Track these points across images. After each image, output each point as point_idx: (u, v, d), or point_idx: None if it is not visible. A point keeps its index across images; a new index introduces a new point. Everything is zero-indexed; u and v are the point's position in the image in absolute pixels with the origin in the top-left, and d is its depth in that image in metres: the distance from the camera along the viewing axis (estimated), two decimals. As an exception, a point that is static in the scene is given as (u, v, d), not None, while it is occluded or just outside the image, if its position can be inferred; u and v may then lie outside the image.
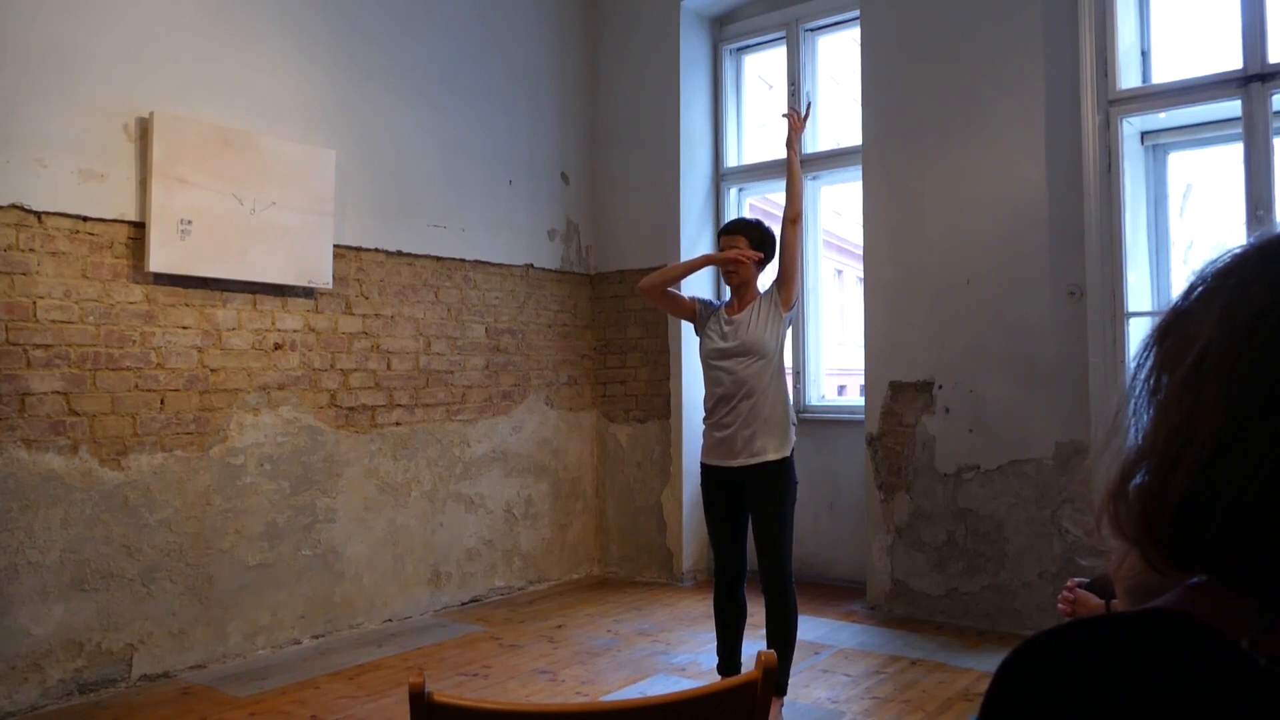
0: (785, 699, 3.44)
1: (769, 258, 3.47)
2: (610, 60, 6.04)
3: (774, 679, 1.34)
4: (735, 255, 3.37)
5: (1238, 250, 0.58)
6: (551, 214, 5.79)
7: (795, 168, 3.49)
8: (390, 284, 4.85)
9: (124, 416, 3.82)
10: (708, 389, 3.42)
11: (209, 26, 4.12)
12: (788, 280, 3.36)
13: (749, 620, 3.51)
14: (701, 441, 3.50)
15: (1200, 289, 0.58)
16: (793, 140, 3.58)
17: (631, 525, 5.84)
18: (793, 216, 3.40)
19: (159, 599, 3.89)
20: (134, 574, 3.81)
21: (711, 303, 3.52)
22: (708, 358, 3.41)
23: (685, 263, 3.70)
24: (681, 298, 3.54)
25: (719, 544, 3.43)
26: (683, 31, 5.75)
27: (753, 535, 3.36)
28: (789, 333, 3.54)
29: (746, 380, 3.29)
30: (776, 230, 3.50)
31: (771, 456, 3.28)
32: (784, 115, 3.73)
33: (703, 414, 3.48)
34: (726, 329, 3.37)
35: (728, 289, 3.52)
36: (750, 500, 3.34)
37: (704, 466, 3.44)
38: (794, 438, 3.38)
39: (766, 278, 3.53)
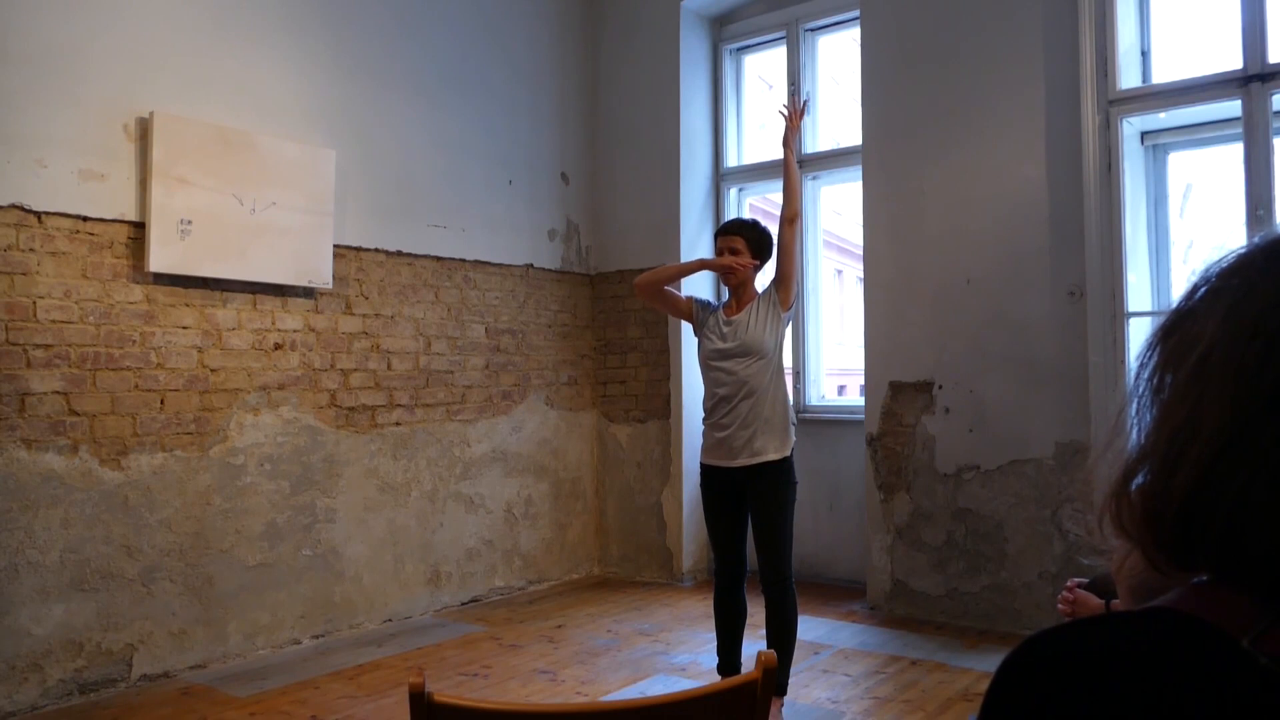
0: (785, 699, 3.44)
1: (765, 259, 3.46)
2: (610, 60, 6.04)
3: (774, 679, 1.34)
4: (730, 263, 3.36)
5: (1242, 250, 0.58)
6: (551, 214, 5.79)
7: (792, 166, 3.48)
8: (390, 284, 4.85)
9: (124, 416, 3.82)
10: (707, 390, 3.42)
11: (209, 26, 4.12)
12: (786, 280, 3.35)
13: (749, 620, 3.51)
14: (701, 441, 3.50)
15: (1204, 289, 0.58)
16: (789, 138, 3.56)
17: (631, 525, 5.84)
18: (790, 216, 3.39)
19: (159, 599, 3.89)
20: (134, 574, 3.81)
21: (709, 303, 3.52)
22: (707, 359, 3.40)
23: (681, 265, 3.70)
24: (678, 298, 3.54)
25: (719, 544, 3.43)
26: (683, 31, 5.75)
27: (753, 535, 3.36)
28: (788, 332, 3.53)
29: (747, 381, 3.29)
30: (774, 230, 3.49)
31: (772, 456, 3.28)
32: (780, 112, 3.70)
33: (702, 414, 3.47)
34: (725, 330, 3.36)
35: (725, 289, 3.52)
36: (750, 500, 3.34)
37: (704, 467, 3.44)
38: (794, 437, 3.37)
39: (766, 275, 3.52)
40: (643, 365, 5.82)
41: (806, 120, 5.64)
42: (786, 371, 3.48)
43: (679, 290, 3.66)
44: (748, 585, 3.47)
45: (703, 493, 3.47)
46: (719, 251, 3.44)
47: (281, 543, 4.32)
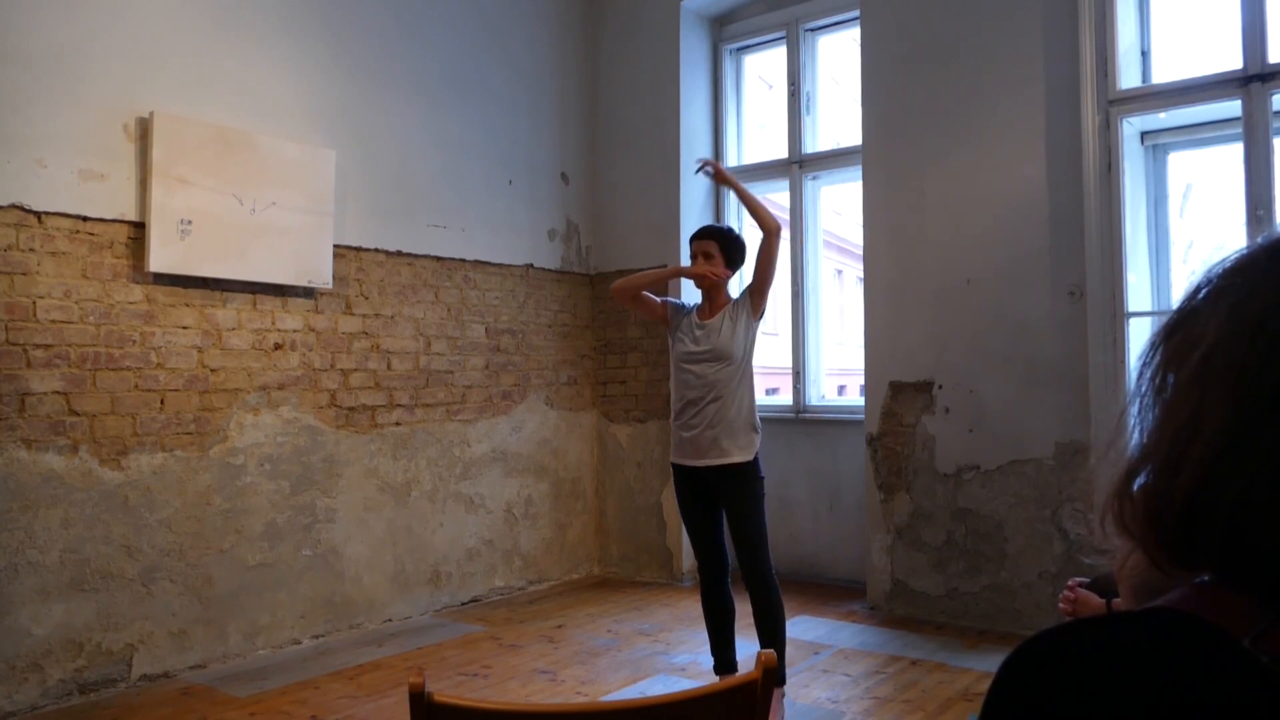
0: (785, 698, 3.46)
1: (738, 267, 3.53)
2: (610, 60, 6.04)
3: (774, 679, 1.34)
4: (705, 272, 3.42)
5: (1245, 250, 0.58)
6: (551, 214, 5.79)
7: (745, 194, 3.46)
8: (390, 284, 4.84)
9: (124, 416, 3.82)
10: (676, 390, 3.51)
11: (209, 26, 4.12)
12: (762, 289, 3.42)
13: (748, 620, 3.52)
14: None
15: (1207, 288, 0.58)
16: (726, 178, 3.56)
17: (631, 525, 5.84)
18: (775, 229, 3.39)
19: (159, 599, 3.89)
20: (134, 574, 3.81)
21: (683, 306, 3.59)
22: (678, 360, 3.49)
23: (655, 272, 3.72)
24: (654, 301, 3.61)
25: (696, 541, 3.51)
26: (683, 31, 5.75)
27: (730, 535, 3.43)
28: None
29: (715, 384, 3.37)
30: (747, 238, 3.53)
31: (736, 459, 3.35)
32: (701, 167, 3.66)
33: (673, 414, 3.54)
34: (698, 333, 3.44)
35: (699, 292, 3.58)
36: (722, 502, 3.42)
37: (674, 466, 3.53)
38: (758, 441, 3.43)
39: (746, 274, 3.57)
40: (643, 365, 5.82)
41: (806, 120, 5.66)
42: (762, 373, 3.52)
43: (656, 295, 3.69)
44: (740, 583, 3.51)
45: (676, 491, 3.56)
46: (693, 255, 3.50)
47: (281, 543, 4.32)
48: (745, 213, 3.56)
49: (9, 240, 3.52)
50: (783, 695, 3.43)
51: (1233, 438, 0.52)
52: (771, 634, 3.35)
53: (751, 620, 3.52)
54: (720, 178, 3.59)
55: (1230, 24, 4.12)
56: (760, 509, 3.38)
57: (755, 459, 3.39)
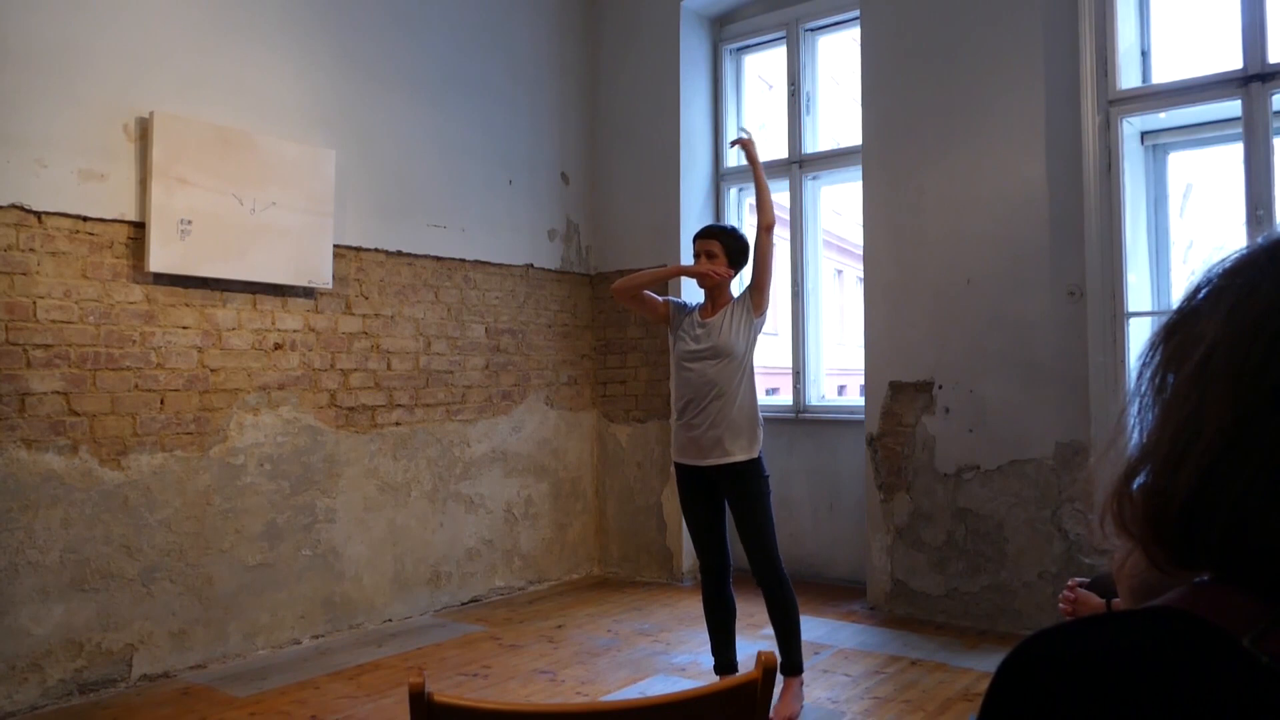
0: (803, 687, 3.50)
1: (741, 266, 3.55)
2: (610, 60, 6.04)
3: (774, 679, 1.34)
4: (707, 270, 3.44)
5: (1244, 250, 0.58)
6: (551, 214, 5.79)
7: (761, 179, 3.51)
8: (390, 284, 4.84)
9: (124, 416, 3.82)
10: (678, 389, 3.52)
11: (209, 26, 4.12)
12: (761, 287, 3.43)
13: (749, 620, 3.52)
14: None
15: (1207, 288, 0.58)
16: (753, 155, 3.58)
17: (631, 525, 5.84)
18: (767, 225, 3.42)
19: (159, 599, 3.89)
20: (134, 574, 3.81)
21: (685, 305, 3.60)
22: (679, 359, 3.50)
23: (656, 271, 3.74)
24: (656, 301, 3.61)
25: (699, 540, 3.51)
26: (683, 31, 5.75)
27: (738, 535, 3.43)
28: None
29: (717, 382, 3.38)
30: (751, 236, 3.54)
31: (740, 457, 3.36)
32: (739, 139, 3.69)
33: (674, 414, 3.55)
34: (699, 331, 3.45)
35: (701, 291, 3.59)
36: (728, 502, 3.43)
37: (676, 465, 3.53)
38: (761, 438, 3.44)
39: (747, 274, 3.59)
40: (643, 365, 5.83)
41: (806, 120, 5.66)
42: (763, 373, 3.54)
43: (658, 294, 3.70)
44: (742, 583, 3.51)
45: (679, 490, 3.56)
46: (696, 254, 3.52)
47: (281, 543, 4.32)
48: (745, 214, 3.57)
49: (9, 240, 3.52)
50: (801, 684, 3.46)
51: (1232, 438, 0.52)
52: (786, 627, 3.39)
53: (752, 620, 3.53)
54: (750, 155, 3.59)
55: (1230, 24, 4.12)
56: (766, 507, 3.39)
57: (759, 457, 3.40)
